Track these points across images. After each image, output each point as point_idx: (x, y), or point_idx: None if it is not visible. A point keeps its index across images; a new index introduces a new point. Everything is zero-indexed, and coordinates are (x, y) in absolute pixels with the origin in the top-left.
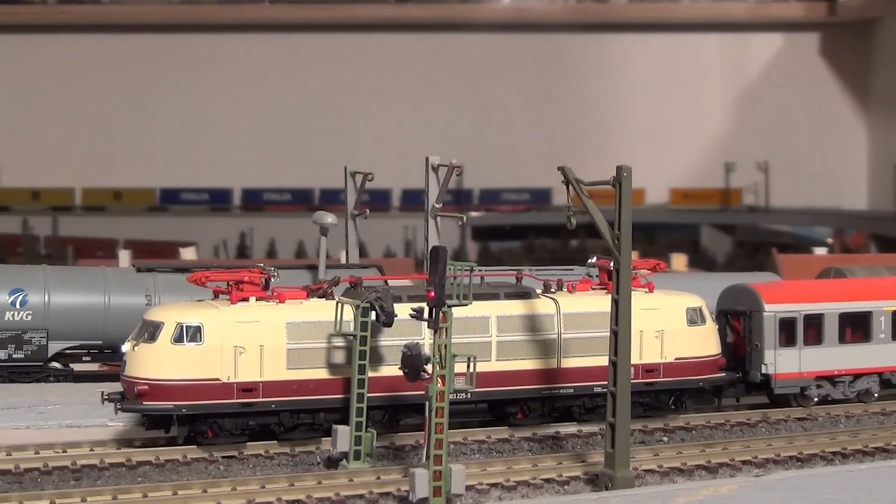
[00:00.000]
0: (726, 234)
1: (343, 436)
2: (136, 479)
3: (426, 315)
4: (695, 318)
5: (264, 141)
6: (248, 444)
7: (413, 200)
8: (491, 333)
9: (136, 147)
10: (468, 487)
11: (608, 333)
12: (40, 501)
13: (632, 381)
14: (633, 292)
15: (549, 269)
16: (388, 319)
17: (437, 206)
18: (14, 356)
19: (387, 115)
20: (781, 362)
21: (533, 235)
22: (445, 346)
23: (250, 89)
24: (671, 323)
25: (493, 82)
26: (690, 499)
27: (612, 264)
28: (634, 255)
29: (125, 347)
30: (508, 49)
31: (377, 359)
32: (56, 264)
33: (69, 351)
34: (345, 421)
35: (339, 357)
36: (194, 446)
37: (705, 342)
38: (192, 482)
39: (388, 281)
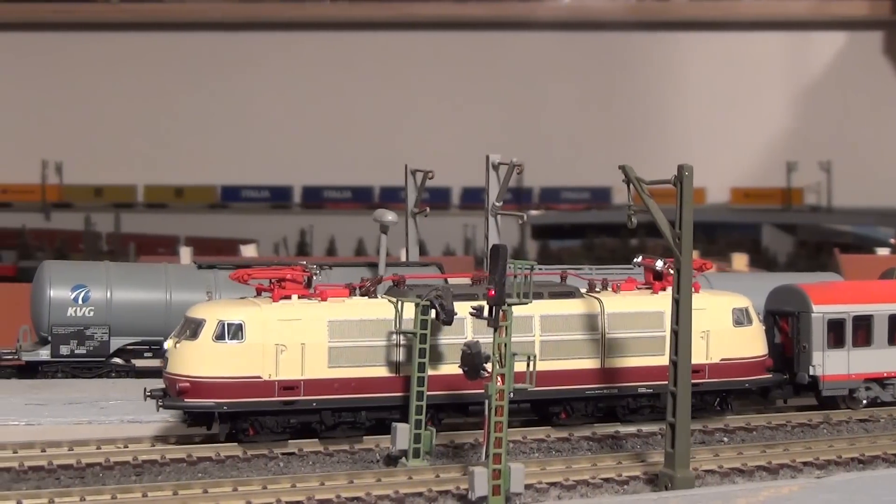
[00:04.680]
0: (788, 234)
1: (402, 434)
2: (196, 475)
3: (486, 314)
4: (741, 318)
5: (324, 139)
6: (308, 440)
7: (473, 198)
8: (534, 333)
9: (198, 144)
10: (527, 486)
11: (653, 333)
12: (101, 496)
13: None
14: None
15: (609, 269)
16: (448, 318)
17: (497, 204)
18: (76, 352)
19: (447, 114)
20: (830, 364)
21: (592, 234)
22: (505, 345)
23: (311, 87)
24: (717, 323)
25: (554, 81)
26: (751, 500)
27: (657, 264)
28: (694, 254)
29: (167, 344)
30: (569, 47)
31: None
32: (118, 261)
33: (131, 347)
34: (385, 419)
35: (381, 356)
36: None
37: (752, 343)
38: (252, 478)
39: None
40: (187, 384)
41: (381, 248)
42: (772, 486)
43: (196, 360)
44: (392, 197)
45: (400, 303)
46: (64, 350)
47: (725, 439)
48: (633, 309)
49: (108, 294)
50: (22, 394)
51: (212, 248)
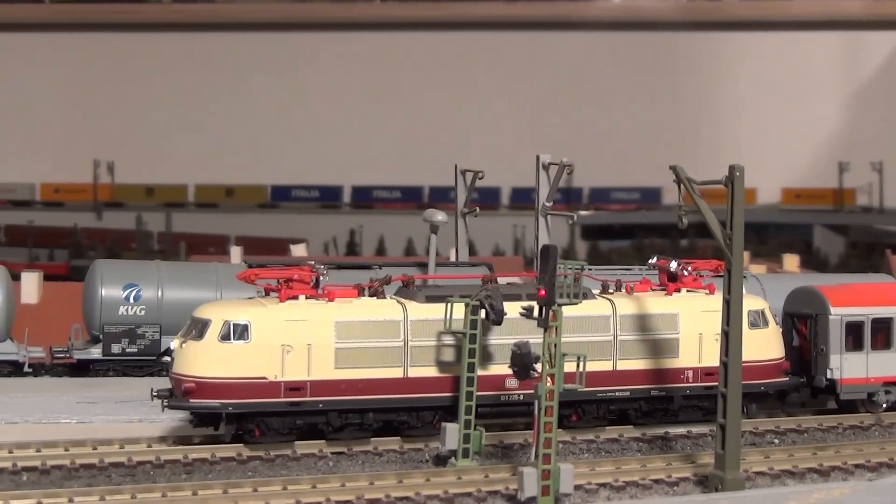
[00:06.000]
0: (839, 235)
1: (452, 434)
2: (246, 474)
3: (536, 313)
4: (757, 320)
5: (374, 139)
6: (356, 440)
7: (522, 199)
8: None
9: (248, 144)
10: (577, 487)
11: (666, 336)
12: (153, 494)
13: (690, 384)
14: (692, 294)
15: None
16: (497, 318)
17: (547, 204)
18: (128, 350)
19: (497, 113)
20: (848, 367)
21: (642, 235)
22: (555, 345)
23: (361, 87)
24: None
25: (604, 80)
26: (801, 502)
27: (671, 265)
28: (744, 257)
29: (174, 344)
30: (619, 47)
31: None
32: (169, 260)
33: None
34: (393, 421)
35: (387, 357)
36: (303, 442)
37: (768, 345)
38: (302, 478)
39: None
40: (193, 384)
41: (431, 249)
42: (823, 488)
43: (202, 360)
44: (441, 197)
45: (449, 304)
46: (115, 348)
47: (776, 441)
48: (646, 311)
49: (160, 293)
50: (73, 392)
51: (262, 248)
